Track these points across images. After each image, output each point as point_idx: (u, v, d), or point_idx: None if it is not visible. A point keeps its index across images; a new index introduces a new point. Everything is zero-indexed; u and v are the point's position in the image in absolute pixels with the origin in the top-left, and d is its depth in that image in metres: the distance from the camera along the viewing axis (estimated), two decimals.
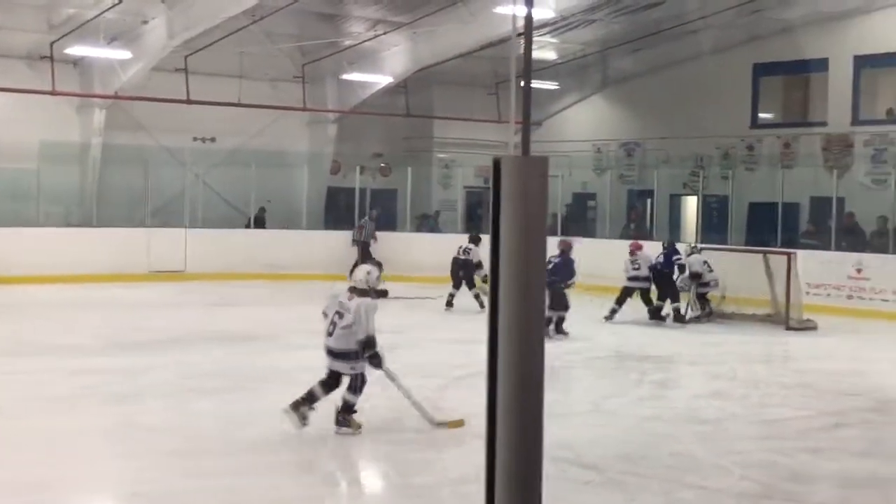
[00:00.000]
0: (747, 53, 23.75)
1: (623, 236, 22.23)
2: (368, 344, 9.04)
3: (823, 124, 22.78)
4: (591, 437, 9.17)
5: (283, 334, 14.90)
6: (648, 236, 21.69)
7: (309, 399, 9.03)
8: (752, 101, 24.30)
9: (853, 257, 19.12)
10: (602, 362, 13.73)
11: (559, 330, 15.18)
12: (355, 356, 9.05)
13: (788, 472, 8.25)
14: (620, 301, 17.29)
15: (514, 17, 12.42)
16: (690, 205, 24.67)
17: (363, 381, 9.13)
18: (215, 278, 21.07)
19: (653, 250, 17.95)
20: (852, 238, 20.30)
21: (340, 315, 9.15)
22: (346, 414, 9.04)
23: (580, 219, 26.40)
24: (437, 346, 14.32)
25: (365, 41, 23.41)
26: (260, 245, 22.71)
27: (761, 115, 24.55)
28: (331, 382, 9.15)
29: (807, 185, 22.10)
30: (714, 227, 22.54)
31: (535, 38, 24.03)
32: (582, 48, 25.27)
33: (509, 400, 3.26)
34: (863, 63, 22.24)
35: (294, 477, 7.81)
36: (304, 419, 8.91)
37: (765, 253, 18.20)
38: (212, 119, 23.71)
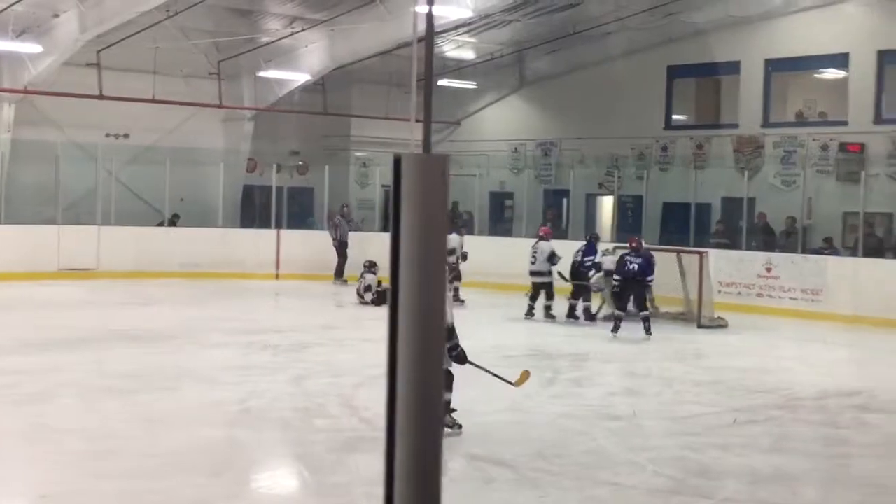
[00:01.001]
0: (661, 56, 24.09)
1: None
2: (449, 335, 8.65)
3: (735, 126, 23.22)
4: (506, 434, 9.22)
5: (198, 333, 14.75)
6: (564, 235, 21.91)
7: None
8: (666, 103, 24.66)
9: (763, 256, 19.53)
10: (517, 360, 13.79)
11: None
12: None
13: (698, 467, 8.40)
14: (533, 297, 17.46)
15: (415, 14, 12.43)
16: (606, 204, 24.97)
17: (451, 377, 8.85)
18: (129, 276, 20.76)
19: (570, 249, 18.11)
20: (762, 237, 20.74)
21: None
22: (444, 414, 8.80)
23: (498, 217, 26.55)
24: (353, 346, 14.28)
25: (282, 38, 23.24)
26: (175, 243, 22.41)
27: (675, 117, 24.93)
28: None
29: (719, 185, 22.52)
30: (629, 226, 22.82)
31: (453, 38, 24.27)
32: (500, 48, 25.41)
33: (409, 399, 3.26)
34: (773, 66, 22.72)
35: (208, 477, 7.73)
36: (453, 426, 8.82)
37: (678, 252, 18.48)
38: (125, 115, 23.34)
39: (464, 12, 19.97)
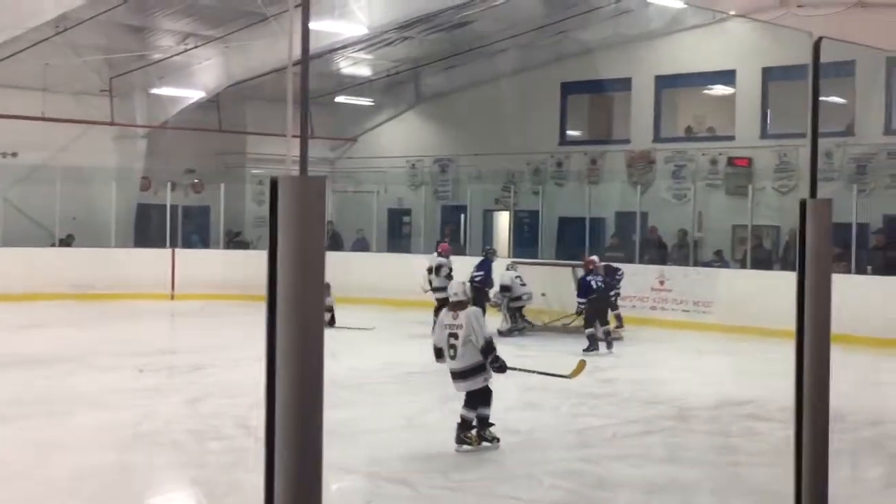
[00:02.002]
0: (555, 72, 24.42)
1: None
2: (489, 347, 9.17)
3: (627, 141, 23.64)
4: (403, 452, 9.21)
5: (89, 356, 14.43)
6: (462, 251, 22.02)
7: (466, 426, 9.19)
8: (560, 119, 24.99)
9: (656, 270, 19.89)
10: (416, 378, 13.80)
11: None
12: (483, 367, 9.18)
13: (595, 479, 8.51)
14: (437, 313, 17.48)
15: (291, 31, 12.37)
16: (503, 220, 25.16)
17: (490, 393, 9.31)
18: (18, 299, 20.19)
19: (468, 264, 18.23)
20: (655, 251, 21.12)
21: (455, 335, 9.14)
22: (485, 429, 9.22)
23: (396, 234, 26.56)
24: (249, 365, 14.09)
25: (175, 55, 22.95)
26: (67, 264, 21.90)
27: (569, 133, 25.27)
28: (474, 401, 9.21)
29: (612, 199, 22.87)
30: (525, 241, 23.06)
31: (349, 55, 24.22)
32: (395, 65, 25.48)
33: (287, 421, 3.26)
34: (663, 83, 23.20)
35: (99, 503, 7.56)
36: (485, 440, 9.22)
37: (573, 266, 18.72)
38: (13, 133, 22.74)
39: (359, 29, 19.98)
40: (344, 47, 22.87)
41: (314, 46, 20.97)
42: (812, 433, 4.52)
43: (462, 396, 9.33)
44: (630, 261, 20.53)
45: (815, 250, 4.52)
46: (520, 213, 24.02)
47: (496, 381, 13.17)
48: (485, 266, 18.08)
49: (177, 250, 23.22)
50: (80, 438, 9.43)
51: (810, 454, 4.52)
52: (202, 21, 21.55)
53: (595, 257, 17.42)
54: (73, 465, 8.46)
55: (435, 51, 24.46)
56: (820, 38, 4.50)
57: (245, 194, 27.10)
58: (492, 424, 9.31)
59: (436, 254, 18.07)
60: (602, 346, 15.81)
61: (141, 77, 23.97)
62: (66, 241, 23.24)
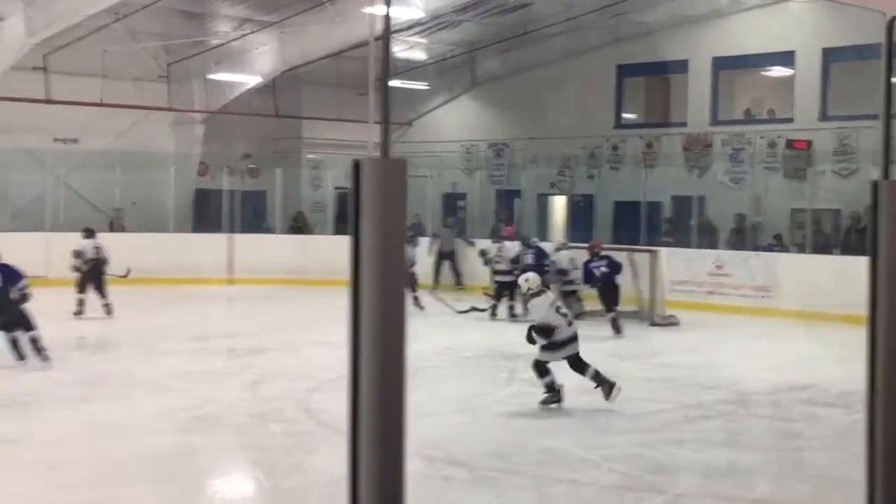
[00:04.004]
0: (611, 55, 24.25)
1: (492, 236, 22.48)
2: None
3: (684, 125, 23.43)
4: (461, 434, 9.25)
5: (150, 340, 14.62)
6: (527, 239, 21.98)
7: (598, 378, 10.44)
8: (616, 102, 24.82)
9: (713, 254, 19.71)
10: (472, 361, 13.84)
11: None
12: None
13: (652, 463, 8.48)
14: (496, 297, 17.54)
15: (372, 18, 12.51)
16: (558, 204, 25.08)
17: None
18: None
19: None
20: (710, 236, 20.93)
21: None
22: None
23: (450, 218, 26.56)
24: (307, 350, 14.23)
25: (232, 41, 23.13)
26: (126, 249, 22.14)
27: (625, 116, 25.11)
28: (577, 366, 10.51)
29: (669, 183, 22.69)
30: (580, 225, 22.97)
31: (404, 39, 24.30)
32: (451, 49, 25.47)
33: (371, 401, 3.29)
34: (721, 64, 22.94)
35: (163, 484, 7.68)
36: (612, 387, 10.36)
37: (630, 251, 18.62)
38: (74, 119, 23.08)
39: (415, 13, 19.99)
40: (399, 31, 22.89)
41: (367, 31, 21.11)
42: (885, 418, 4.45)
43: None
44: (686, 245, 20.37)
45: (889, 232, 4.44)
46: (575, 197, 23.91)
47: (554, 367, 13.20)
48: (544, 255, 18.13)
49: (234, 235, 23.42)
50: (141, 421, 9.57)
51: (883, 439, 4.45)
52: (258, 6, 21.70)
53: (552, 249, 17.65)
54: (135, 447, 8.59)
55: (490, 34, 24.40)
56: (894, 18, 4.43)
57: (301, 179, 27.29)
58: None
59: (502, 239, 18.04)
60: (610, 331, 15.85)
61: (198, 63, 24.20)
62: (116, 227, 23.47)
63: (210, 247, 22.80)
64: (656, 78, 24.99)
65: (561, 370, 10.56)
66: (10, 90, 21.47)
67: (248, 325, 16.68)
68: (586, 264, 16.58)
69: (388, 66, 3.67)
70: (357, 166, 3.38)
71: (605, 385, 10.38)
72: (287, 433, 9.20)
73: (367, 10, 19.76)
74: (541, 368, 10.49)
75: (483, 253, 18.83)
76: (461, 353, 13.93)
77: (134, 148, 23.97)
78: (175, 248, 22.50)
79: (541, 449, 8.85)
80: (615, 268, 16.60)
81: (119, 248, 21.77)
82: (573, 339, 10.49)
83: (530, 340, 10.49)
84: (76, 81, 22.45)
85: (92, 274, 16.98)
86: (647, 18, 22.53)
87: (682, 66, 23.29)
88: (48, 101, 21.87)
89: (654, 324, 17.00)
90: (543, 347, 10.43)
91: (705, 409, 10.66)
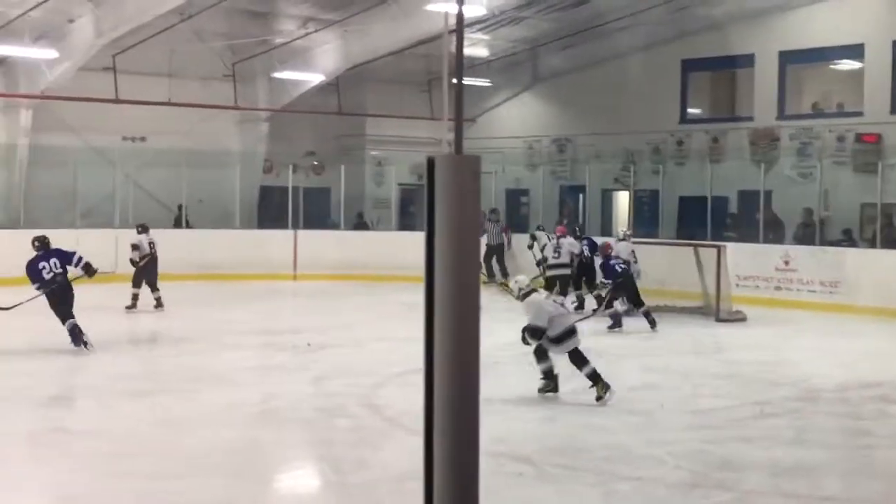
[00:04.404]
0: (676, 49, 24.03)
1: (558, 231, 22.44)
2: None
3: (750, 119, 23.14)
4: (525, 430, 9.24)
5: (216, 335, 14.79)
6: (582, 231, 21.85)
7: (594, 377, 10.42)
8: (681, 97, 24.59)
9: (781, 249, 19.46)
10: (533, 357, 13.78)
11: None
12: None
13: (719, 460, 8.40)
14: (548, 290, 17.48)
15: (447, 15, 12.51)
16: (622, 199, 24.93)
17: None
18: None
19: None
20: (777, 230, 20.67)
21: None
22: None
23: (514, 214, 26.52)
24: (372, 346, 14.30)
25: (296, 39, 23.30)
26: (192, 245, 22.45)
27: (690, 111, 24.86)
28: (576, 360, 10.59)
29: (735, 178, 22.44)
30: (645, 221, 22.79)
31: (466, 36, 23.98)
32: (513, 45, 25.42)
33: (446, 396, 3.30)
34: (788, 58, 22.61)
35: (228, 478, 7.76)
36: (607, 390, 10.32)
37: (695, 246, 18.45)
38: (141, 118, 23.41)
39: (477, 10, 19.95)
40: (456, 29, 22.85)
41: (433, 28, 21.15)
42: None
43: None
44: (753, 240, 20.13)
45: None
46: (639, 192, 23.74)
47: (618, 363, 13.14)
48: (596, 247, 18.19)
49: (299, 231, 23.62)
50: (208, 415, 9.69)
51: None
52: (322, 5, 21.83)
53: (614, 241, 17.67)
54: (202, 441, 8.69)
55: (553, 30, 24.31)
56: None
57: (364, 176, 27.44)
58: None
59: (556, 237, 18.05)
60: (645, 324, 15.79)
61: (263, 62, 24.41)
62: (181, 222, 23.80)
63: (275, 243, 23.05)
64: (722, 72, 24.72)
65: (560, 362, 10.63)
66: (79, 90, 21.84)
67: (312, 321, 16.80)
68: (605, 262, 16.46)
69: (462, 64, 3.68)
70: (431, 163, 3.39)
71: (600, 385, 10.34)
72: (352, 428, 9.26)
73: (430, 7, 19.80)
74: (540, 353, 10.61)
75: (533, 237, 19.68)
76: (523, 349, 13.85)
77: (200, 146, 24.25)
78: (241, 245, 22.76)
79: (605, 445, 8.82)
80: (629, 264, 16.88)
81: (186, 244, 22.19)
82: (572, 332, 10.57)
83: (524, 342, 10.71)
84: (144, 81, 22.76)
85: (147, 268, 17.36)
86: (712, 12, 22.30)
87: (748, 60, 23.01)
88: (117, 101, 22.20)
89: (719, 319, 16.83)
90: (550, 342, 10.57)
91: (773, 406, 10.52)
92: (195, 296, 19.77)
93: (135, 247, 17.45)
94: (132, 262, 17.36)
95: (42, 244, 13.27)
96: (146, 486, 7.47)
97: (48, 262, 13.01)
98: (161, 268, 18.42)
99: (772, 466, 8.22)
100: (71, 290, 13.08)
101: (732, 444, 8.92)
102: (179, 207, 23.90)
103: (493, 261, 22.38)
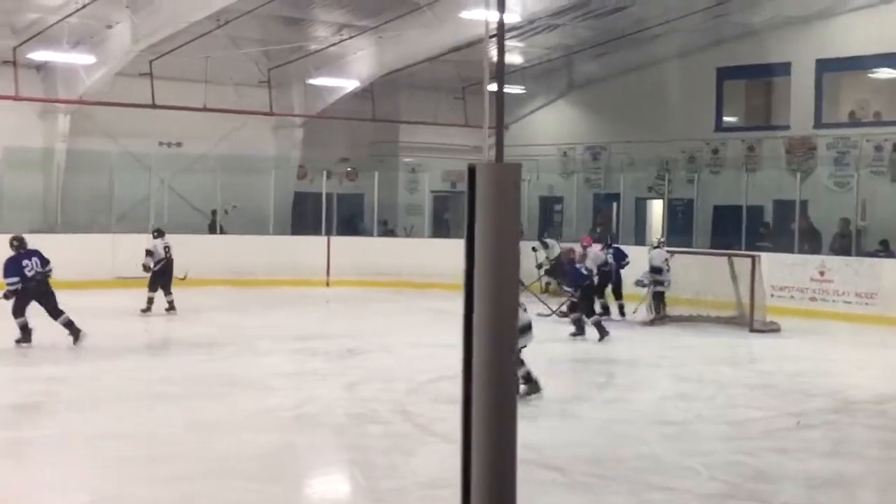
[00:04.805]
0: (711, 57, 23.92)
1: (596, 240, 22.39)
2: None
3: (786, 128, 22.99)
4: (557, 439, 9.20)
5: (250, 340, 14.84)
6: (615, 239, 21.77)
7: (527, 378, 10.48)
8: (717, 105, 24.48)
9: (816, 260, 19.29)
10: (567, 365, 13.77)
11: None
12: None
13: (754, 471, 8.32)
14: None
15: (487, 23, 12.58)
16: (656, 208, 24.82)
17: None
18: (181, 284, 20.93)
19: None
20: (813, 240, 20.49)
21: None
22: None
23: (547, 222, 26.49)
24: (404, 352, 14.31)
25: (331, 45, 23.39)
26: (226, 250, 22.57)
27: (725, 119, 24.75)
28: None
29: (770, 187, 22.29)
30: (679, 229, 22.67)
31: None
32: (547, 52, 25.38)
33: (484, 403, 3.30)
34: (825, 66, 22.45)
35: (260, 482, 7.77)
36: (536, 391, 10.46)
37: (730, 256, 18.33)
38: (177, 124, 23.60)
39: (512, 17, 19.96)
40: (496, 35, 22.84)
41: (468, 35, 21.15)
42: None
43: None
44: (788, 250, 19.98)
45: None
46: (674, 200, 23.63)
47: (651, 372, 13.07)
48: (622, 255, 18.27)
49: (332, 237, 23.70)
50: (242, 419, 9.72)
51: None
52: (357, 12, 21.89)
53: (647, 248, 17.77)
54: (235, 445, 8.72)
55: (587, 37, 24.27)
56: None
57: (398, 182, 27.49)
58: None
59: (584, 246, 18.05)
60: (593, 333, 15.50)
61: (298, 68, 24.52)
62: (216, 228, 23.95)
63: (308, 249, 23.13)
64: (758, 80, 24.57)
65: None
66: (116, 95, 22.04)
67: (345, 327, 16.83)
68: (572, 266, 16.33)
69: (503, 72, 3.68)
70: (472, 171, 3.41)
71: (532, 385, 10.51)
72: (384, 434, 9.25)
73: (465, 14, 19.83)
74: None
75: (535, 249, 20.14)
76: (556, 357, 13.84)
77: (235, 151, 24.41)
78: (275, 250, 22.85)
79: (638, 455, 8.76)
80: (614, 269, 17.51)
81: (220, 250, 22.32)
82: (528, 327, 10.52)
83: None
84: (180, 87, 22.95)
85: (161, 273, 17.61)
86: (749, 20, 22.17)
87: (784, 68, 22.87)
88: (153, 106, 22.40)
89: (753, 330, 16.70)
90: None
91: (808, 417, 10.42)
92: (229, 301, 19.87)
93: (149, 252, 17.70)
94: (145, 267, 17.58)
95: (20, 244, 13.71)
96: (180, 488, 7.49)
97: (30, 260, 13.47)
98: (196, 272, 18.56)
99: (807, 478, 8.14)
100: (50, 287, 13.59)
101: (767, 456, 8.83)
102: (213, 213, 24.03)
103: None
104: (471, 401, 3.36)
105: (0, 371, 12.07)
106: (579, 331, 15.46)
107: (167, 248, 17.77)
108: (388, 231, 25.89)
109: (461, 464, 3.38)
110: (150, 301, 17.50)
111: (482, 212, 3.35)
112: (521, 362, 10.27)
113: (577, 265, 16.20)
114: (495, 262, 3.34)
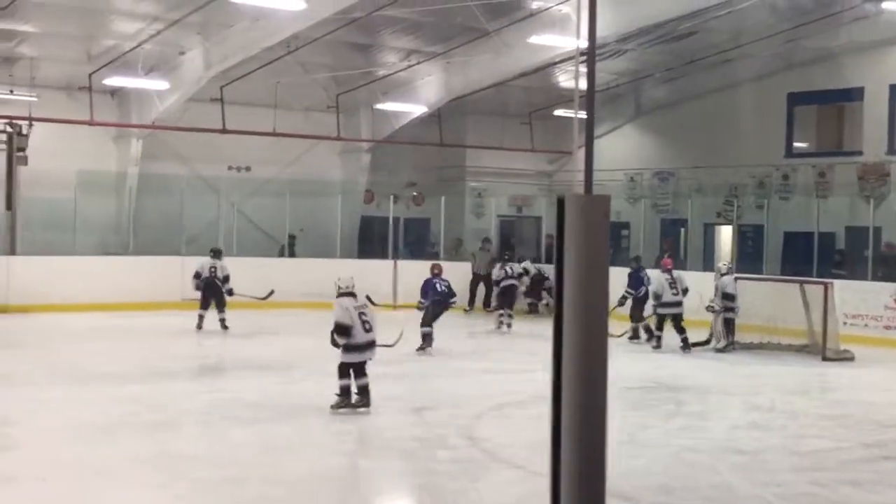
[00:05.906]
0: (782, 82, 23.69)
1: (658, 265, 22.17)
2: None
3: (859, 153, 22.67)
4: (627, 467, 9.09)
5: (320, 363, 14.86)
6: (682, 266, 21.58)
7: (362, 391, 10.92)
8: (787, 130, 24.22)
9: (891, 287, 18.93)
10: (636, 393, 13.62)
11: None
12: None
13: (828, 503, 8.16)
14: (659, 328, 17.32)
15: (578, 49, 12.71)
16: (724, 234, 24.57)
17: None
18: (250, 307, 21.11)
19: (689, 279, 17.94)
20: (887, 268, 20.13)
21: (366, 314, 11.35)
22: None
23: (614, 248, 26.34)
24: (473, 376, 14.28)
25: (398, 71, 23.56)
26: (294, 273, 22.74)
27: (796, 145, 24.46)
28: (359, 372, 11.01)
29: (842, 214, 21.97)
30: (749, 256, 22.41)
31: (567, 68, 24.09)
32: (615, 78, 25.32)
33: (573, 429, 3.30)
34: None
35: None
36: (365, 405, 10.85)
37: (801, 283, 18.05)
38: (247, 148, 23.94)
39: (582, 42, 19.92)
40: (563, 61, 22.88)
41: (535, 61, 21.19)
42: None
43: None
44: (861, 278, 19.64)
45: None
46: (743, 227, 23.37)
47: (723, 401, 12.89)
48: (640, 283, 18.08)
49: (398, 261, 23.78)
50: (311, 443, 9.77)
51: None
52: (425, 38, 22.04)
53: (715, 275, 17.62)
54: (305, 468, 8.76)
55: (656, 63, 24.18)
56: None
57: (464, 207, 27.53)
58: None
59: (664, 269, 17.88)
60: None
61: (366, 93, 24.74)
62: (291, 245, 24.22)
63: (375, 272, 23.19)
64: (829, 106, 24.27)
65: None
66: (188, 120, 22.43)
67: (413, 351, 16.82)
68: (428, 280, 16.78)
69: (594, 103, 3.69)
70: (561, 202, 3.44)
71: (365, 398, 10.90)
72: (451, 459, 9.23)
73: (533, 39, 19.86)
74: (342, 370, 11.01)
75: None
76: (626, 384, 13.73)
77: (303, 176, 24.67)
78: (342, 274, 22.89)
79: (710, 485, 8.64)
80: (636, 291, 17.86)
81: (289, 273, 22.50)
82: (371, 344, 11.14)
83: (333, 343, 11.16)
84: (250, 112, 23.27)
85: (209, 291, 18.21)
86: (821, 45, 21.93)
87: (857, 93, 22.57)
88: (224, 131, 22.73)
89: (826, 358, 16.41)
90: (345, 348, 11.00)
91: (884, 448, 10.21)
92: (300, 323, 19.98)
93: (197, 274, 18.28)
94: (196, 287, 18.16)
95: None
96: None
97: None
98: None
99: None
100: None
101: (841, 488, 8.66)
102: (292, 237, 24.36)
103: (478, 289, 22.93)
104: (560, 424, 3.36)
105: (70, 392, 12.23)
106: (426, 343, 16.11)
107: (213, 269, 18.20)
108: (458, 255, 25.88)
109: (550, 489, 3.37)
110: (201, 318, 18.18)
111: (571, 242, 3.37)
112: (364, 374, 10.95)
113: (434, 280, 16.74)
114: (584, 289, 3.34)
